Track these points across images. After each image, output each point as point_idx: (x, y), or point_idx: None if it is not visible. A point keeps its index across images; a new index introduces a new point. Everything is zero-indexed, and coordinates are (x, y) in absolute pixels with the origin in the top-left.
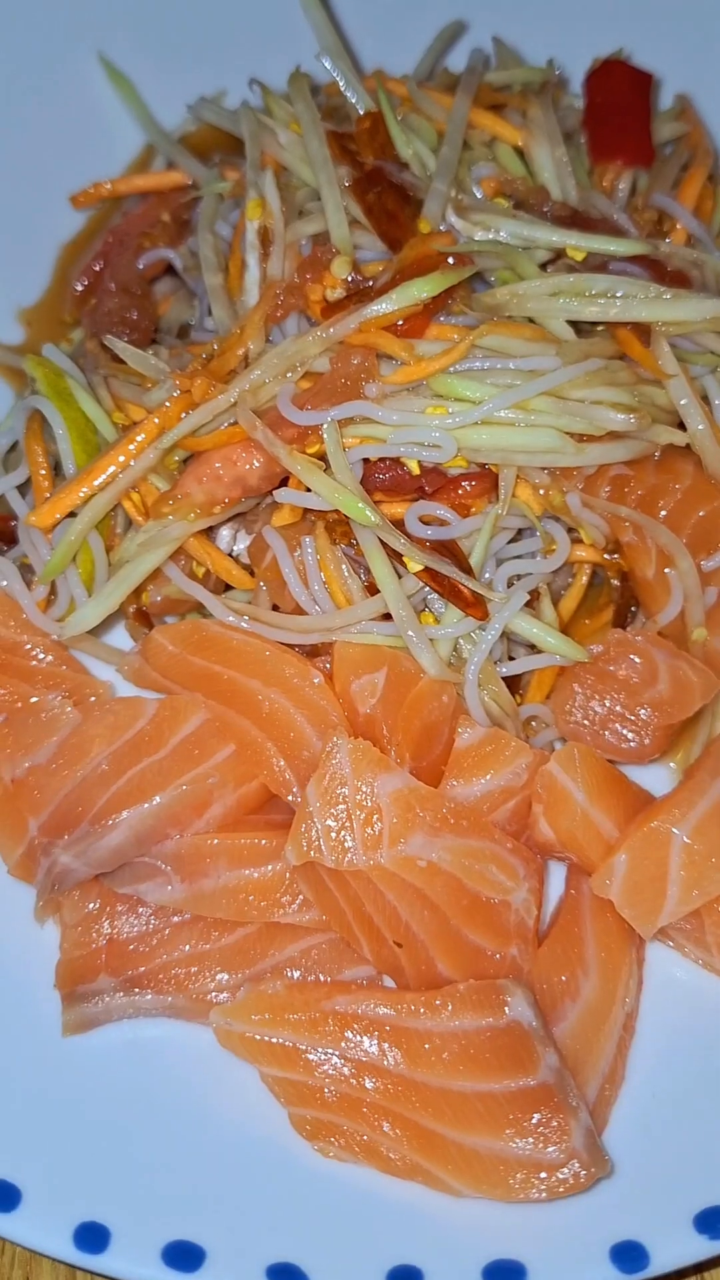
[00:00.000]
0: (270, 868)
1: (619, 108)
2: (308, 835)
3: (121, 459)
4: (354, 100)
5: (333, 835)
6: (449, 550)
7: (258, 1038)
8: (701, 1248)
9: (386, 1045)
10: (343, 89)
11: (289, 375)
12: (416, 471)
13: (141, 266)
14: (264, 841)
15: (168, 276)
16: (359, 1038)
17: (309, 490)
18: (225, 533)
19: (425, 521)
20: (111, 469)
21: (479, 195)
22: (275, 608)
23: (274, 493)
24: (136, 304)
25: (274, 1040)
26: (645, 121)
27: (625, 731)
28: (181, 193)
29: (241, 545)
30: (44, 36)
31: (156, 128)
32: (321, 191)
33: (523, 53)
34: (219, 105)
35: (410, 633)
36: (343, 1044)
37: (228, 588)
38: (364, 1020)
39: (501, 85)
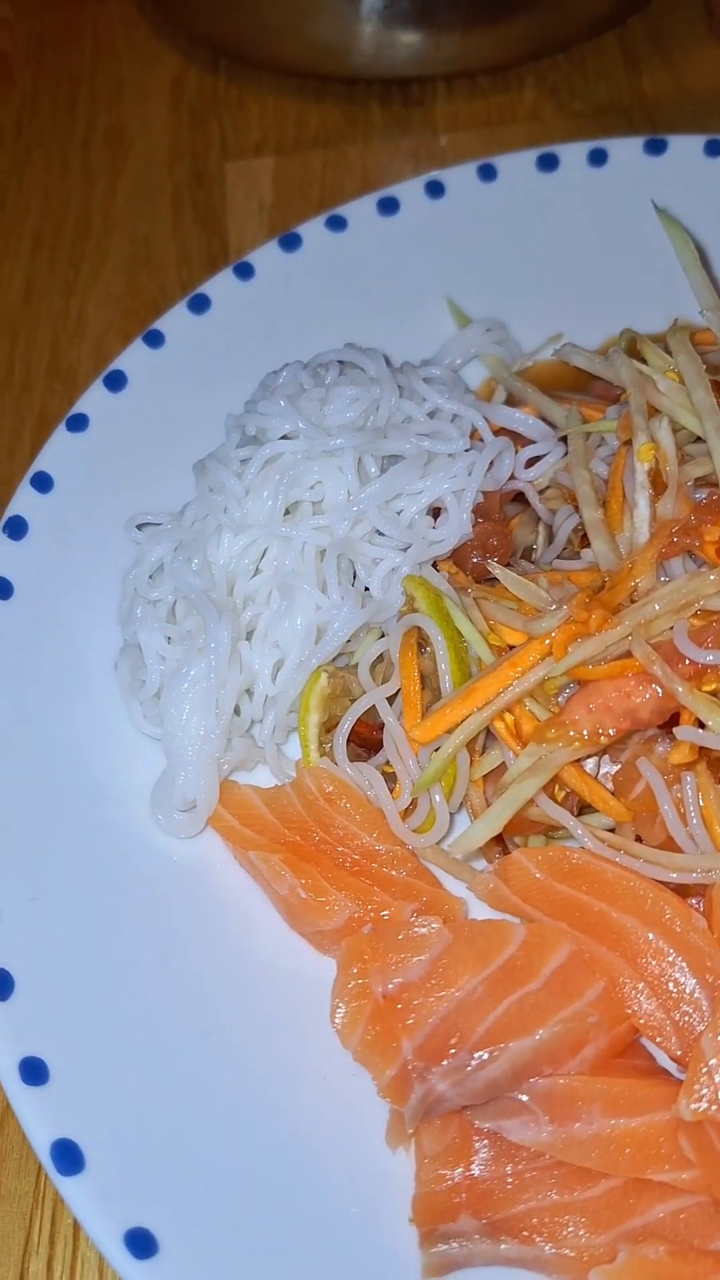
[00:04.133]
0: (647, 1119)
1: None
2: (705, 1090)
3: (506, 681)
4: None
5: None
6: None
7: None
8: None
9: None
10: None
11: (684, 613)
12: None
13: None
14: (642, 1091)
15: (513, 502)
16: None
17: (703, 727)
18: (589, 761)
19: None
20: (493, 693)
21: None
22: (638, 839)
23: (675, 730)
24: (496, 531)
25: None
26: None
27: None
28: None
29: (606, 771)
30: (401, 281)
31: (506, 369)
32: (709, 439)
33: None
34: (582, 350)
35: None
36: None
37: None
38: None
39: None
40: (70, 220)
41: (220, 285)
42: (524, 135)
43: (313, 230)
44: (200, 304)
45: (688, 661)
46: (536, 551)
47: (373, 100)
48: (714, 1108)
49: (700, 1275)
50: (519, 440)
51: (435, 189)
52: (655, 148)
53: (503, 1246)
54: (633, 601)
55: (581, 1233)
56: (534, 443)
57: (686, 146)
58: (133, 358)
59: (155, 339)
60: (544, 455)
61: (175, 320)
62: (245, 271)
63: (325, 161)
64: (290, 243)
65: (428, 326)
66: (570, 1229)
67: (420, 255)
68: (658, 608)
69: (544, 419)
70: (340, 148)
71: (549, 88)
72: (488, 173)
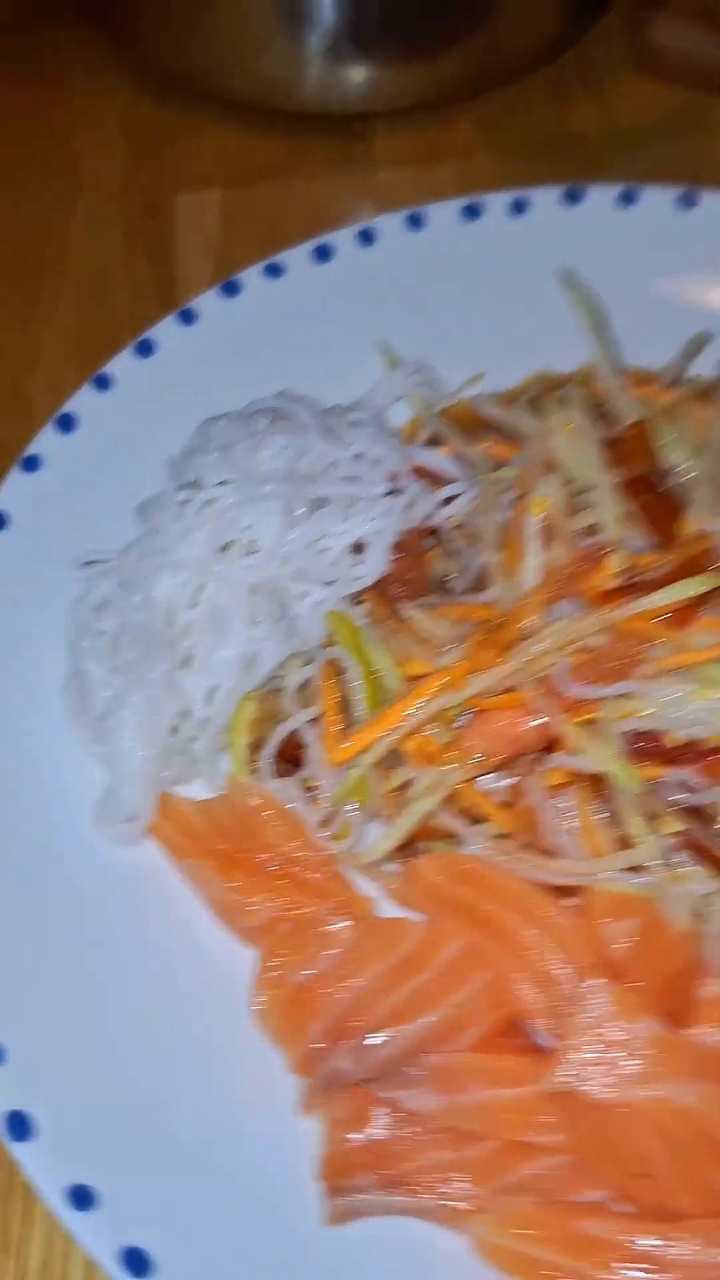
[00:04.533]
0: (522, 1090)
1: None
2: (568, 1066)
3: (411, 709)
4: (622, 408)
5: (591, 1069)
6: (698, 815)
7: (513, 1250)
8: None
9: (639, 1273)
10: (615, 399)
11: (567, 651)
12: (673, 744)
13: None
14: (518, 1067)
15: (432, 534)
16: (619, 1265)
17: (577, 753)
18: (486, 778)
19: (679, 785)
20: (401, 718)
21: None
22: (529, 847)
23: (550, 757)
24: (413, 565)
25: (529, 1254)
26: None
27: None
28: None
29: (499, 786)
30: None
31: (429, 410)
32: (597, 493)
33: None
34: (491, 400)
35: (667, 888)
36: (590, 1264)
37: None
38: (612, 1246)
39: None
40: (29, 250)
41: (165, 330)
42: (457, 171)
43: (252, 277)
44: (146, 348)
45: (567, 694)
46: (452, 580)
47: (317, 135)
48: (576, 1081)
49: (563, 1221)
50: (438, 479)
51: (367, 237)
52: (573, 197)
53: (396, 1198)
54: (523, 640)
55: (464, 1186)
56: (452, 481)
57: (602, 196)
58: (83, 400)
59: (104, 382)
60: (459, 495)
61: (123, 364)
62: (189, 317)
63: (270, 195)
64: (230, 289)
65: (360, 368)
66: (454, 1183)
67: (353, 300)
68: (543, 646)
69: (462, 458)
70: (284, 181)
71: (483, 124)
72: (415, 221)
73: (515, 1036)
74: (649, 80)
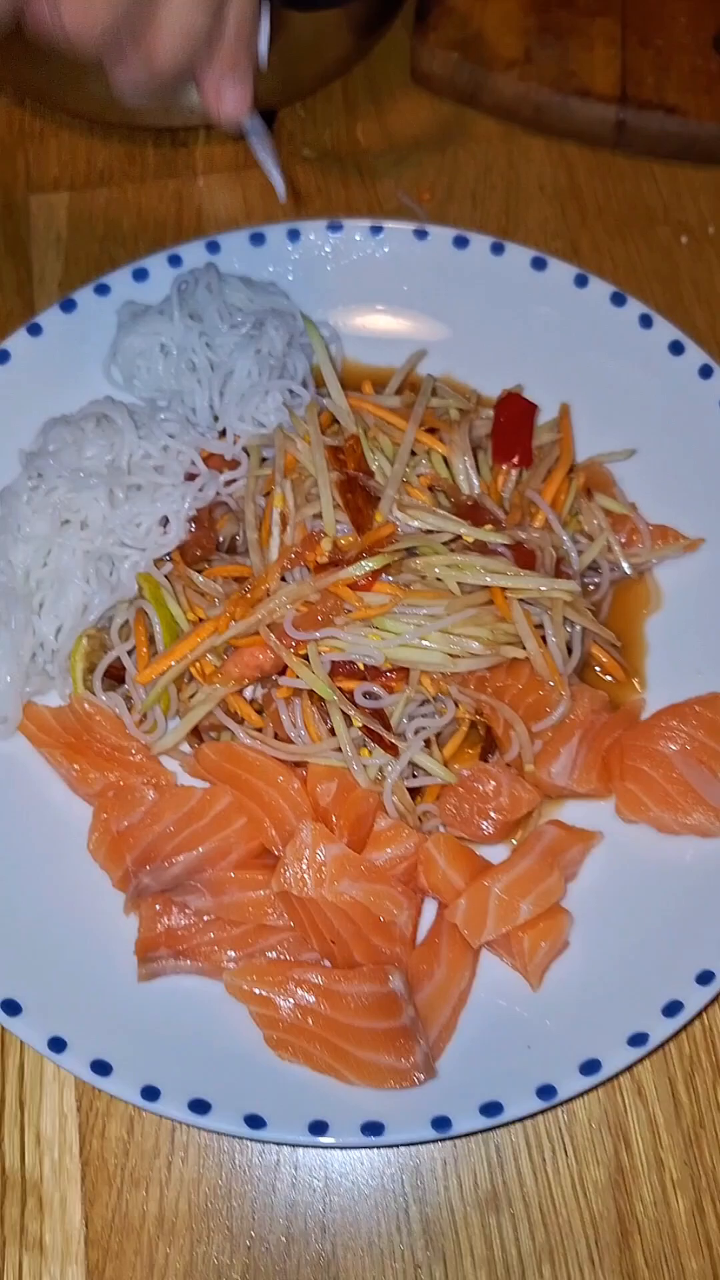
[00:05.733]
0: (263, 892)
1: (513, 427)
2: (285, 876)
3: (193, 645)
4: (346, 422)
5: (299, 877)
6: (379, 714)
7: (248, 989)
8: (484, 1122)
9: (320, 998)
10: (338, 419)
11: (293, 606)
12: (362, 667)
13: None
14: (260, 877)
15: (222, 504)
16: (305, 994)
17: (298, 676)
18: (249, 690)
19: (365, 695)
20: (186, 651)
21: (417, 483)
22: (276, 736)
23: (277, 678)
24: (205, 534)
25: (257, 992)
26: (529, 436)
27: (480, 824)
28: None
29: (257, 695)
30: None
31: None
32: (320, 491)
33: (458, 374)
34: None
35: (353, 761)
36: (296, 997)
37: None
38: (309, 984)
39: (441, 409)
40: None
41: (17, 341)
42: (263, 177)
43: (84, 296)
44: (2, 357)
45: (292, 637)
46: (239, 538)
47: (148, 142)
48: (289, 886)
49: (282, 970)
50: (226, 462)
51: (175, 260)
52: (334, 228)
53: (183, 963)
54: (266, 597)
55: (230, 953)
56: (236, 465)
57: (356, 226)
58: None
59: None
60: (239, 478)
61: None
62: (35, 330)
63: (109, 198)
64: (67, 306)
65: None
66: (221, 953)
67: None
68: (277, 603)
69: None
70: (121, 186)
71: (286, 134)
72: (213, 247)
73: (260, 858)
74: (422, 95)
